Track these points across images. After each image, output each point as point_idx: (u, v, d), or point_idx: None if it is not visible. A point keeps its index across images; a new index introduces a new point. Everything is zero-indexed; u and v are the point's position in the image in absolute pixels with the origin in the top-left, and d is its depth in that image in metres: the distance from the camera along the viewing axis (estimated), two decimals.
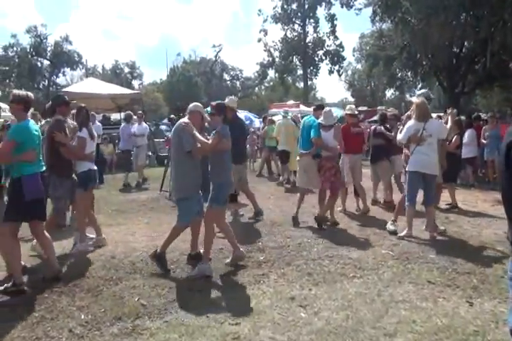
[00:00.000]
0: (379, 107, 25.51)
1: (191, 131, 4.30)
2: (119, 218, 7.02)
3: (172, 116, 10.76)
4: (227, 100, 6.28)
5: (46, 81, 46.71)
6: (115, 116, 16.83)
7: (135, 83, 55.72)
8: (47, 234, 4.26)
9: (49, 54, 46.97)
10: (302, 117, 9.09)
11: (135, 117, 10.95)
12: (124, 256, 4.96)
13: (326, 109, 6.53)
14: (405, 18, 18.28)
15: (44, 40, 46.52)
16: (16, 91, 4.11)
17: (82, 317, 3.45)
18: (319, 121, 6.31)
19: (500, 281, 4.12)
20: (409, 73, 26.77)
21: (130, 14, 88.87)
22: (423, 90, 6.73)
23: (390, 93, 50.21)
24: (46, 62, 47.45)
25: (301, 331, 3.18)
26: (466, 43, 20.00)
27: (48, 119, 5.45)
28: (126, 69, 57.93)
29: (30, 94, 4.10)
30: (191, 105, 4.65)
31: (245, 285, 4.08)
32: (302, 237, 5.66)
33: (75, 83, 35.60)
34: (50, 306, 3.68)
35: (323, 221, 6.26)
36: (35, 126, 4.13)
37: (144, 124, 11.11)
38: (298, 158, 6.78)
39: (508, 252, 4.89)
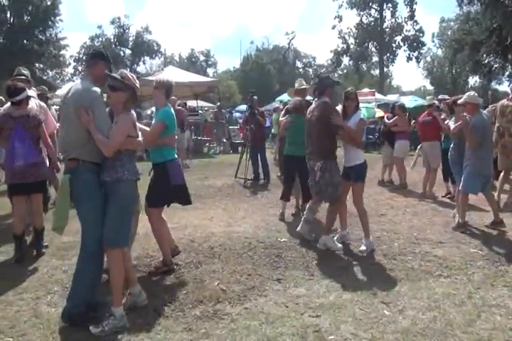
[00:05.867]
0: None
1: None
2: (196, 202, 7.09)
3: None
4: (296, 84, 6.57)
5: (128, 69, 48.98)
6: (190, 103, 17.35)
7: (210, 71, 57.10)
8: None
9: (131, 44, 49.29)
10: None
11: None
12: (203, 241, 5.07)
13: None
14: None
15: (126, 31, 48.85)
16: (158, 78, 4.19)
17: (166, 297, 3.56)
18: None
19: None
20: (497, 59, 24.72)
21: (204, 3, 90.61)
22: None
23: (473, 81, 46.94)
24: (128, 52, 49.85)
25: (385, 329, 3.05)
26: None
27: None
28: (202, 58, 59.45)
29: (170, 79, 4.07)
30: None
31: (324, 277, 3.99)
32: (381, 231, 5.45)
33: (154, 71, 37.05)
34: None
35: None
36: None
37: None
38: None
39: None
